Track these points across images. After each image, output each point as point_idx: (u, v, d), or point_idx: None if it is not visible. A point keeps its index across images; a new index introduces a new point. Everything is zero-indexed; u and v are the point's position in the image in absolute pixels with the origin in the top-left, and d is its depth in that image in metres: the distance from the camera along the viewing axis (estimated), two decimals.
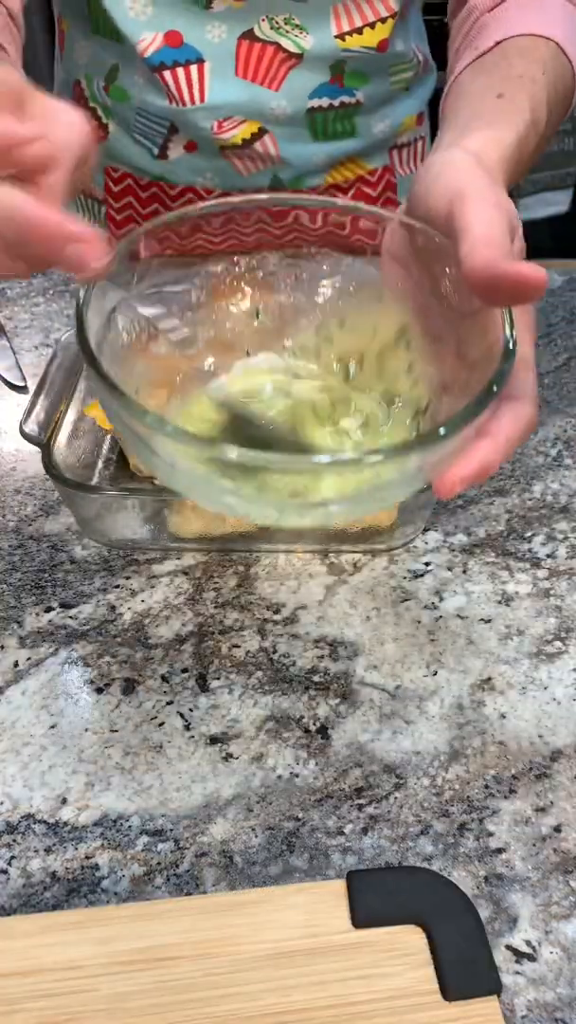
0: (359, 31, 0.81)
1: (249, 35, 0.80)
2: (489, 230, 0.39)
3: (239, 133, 0.84)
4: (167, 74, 0.81)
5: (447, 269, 0.43)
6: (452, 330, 0.44)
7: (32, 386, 0.81)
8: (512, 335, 0.39)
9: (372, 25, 0.81)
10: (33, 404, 0.67)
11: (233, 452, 0.35)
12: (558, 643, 0.57)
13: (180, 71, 0.81)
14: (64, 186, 0.39)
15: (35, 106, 0.39)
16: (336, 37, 0.81)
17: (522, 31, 0.61)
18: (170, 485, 0.42)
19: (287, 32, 0.79)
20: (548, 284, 0.37)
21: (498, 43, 0.61)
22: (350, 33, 0.81)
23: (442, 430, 0.36)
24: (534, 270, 0.37)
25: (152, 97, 0.84)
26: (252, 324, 0.50)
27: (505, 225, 0.40)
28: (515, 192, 2.15)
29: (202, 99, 0.82)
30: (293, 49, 0.80)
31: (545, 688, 0.54)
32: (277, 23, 0.79)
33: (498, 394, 0.37)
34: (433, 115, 1.02)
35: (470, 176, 0.42)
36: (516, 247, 0.42)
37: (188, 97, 0.81)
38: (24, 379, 0.82)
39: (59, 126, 0.39)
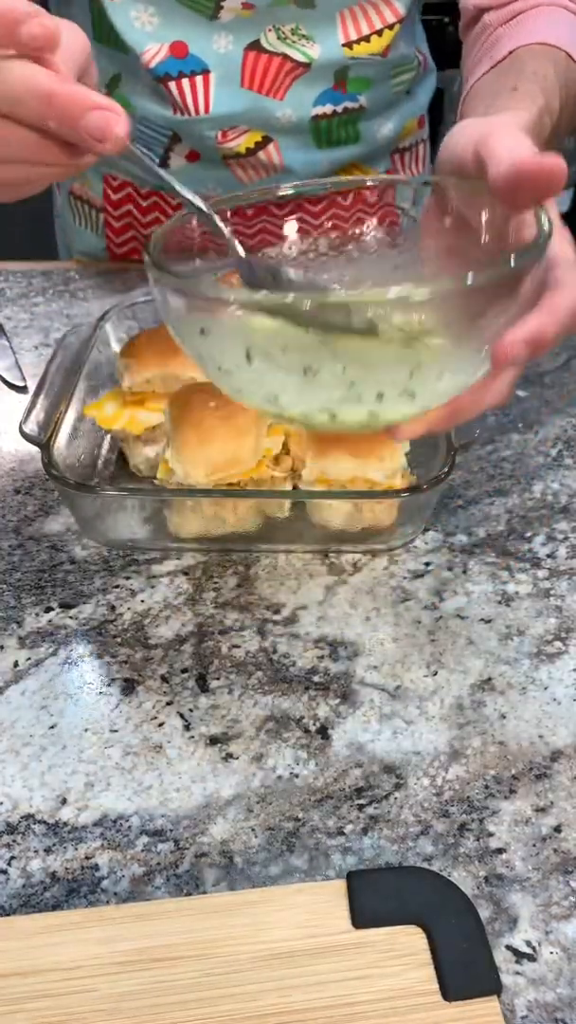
0: (367, 39, 0.81)
1: (256, 46, 0.79)
2: (516, 146, 0.41)
3: (243, 142, 0.84)
4: (172, 84, 0.80)
5: (479, 210, 0.46)
6: None
7: (32, 386, 0.81)
8: (547, 214, 0.41)
9: (380, 32, 0.81)
10: (33, 404, 0.67)
11: (303, 300, 0.37)
12: (558, 643, 0.57)
13: (185, 81, 0.80)
14: (71, 72, 0.40)
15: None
16: (344, 46, 0.80)
17: (534, 40, 0.64)
18: (221, 381, 0.43)
19: (294, 43, 0.79)
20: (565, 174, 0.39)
21: (512, 52, 0.64)
22: (357, 41, 0.80)
23: (504, 264, 0.38)
24: (552, 156, 0.39)
25: (155, 107, 0.83)
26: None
27: (530, 146, 0.42)
28: None
29: (207, 110, 0.81)
30: (300, 59, 0.80)
31: (545, 688, 0.54)
32: (284, 33, 0.78)
33: (547, 243, 0.40)
34: (432, 119, 1.02)
35: (494, 122, 0.45)
36: None
37: (193, 107, 0.81)
38: (24, 379, 0.82)
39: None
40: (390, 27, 0.81)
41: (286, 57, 0.79)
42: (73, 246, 1.04)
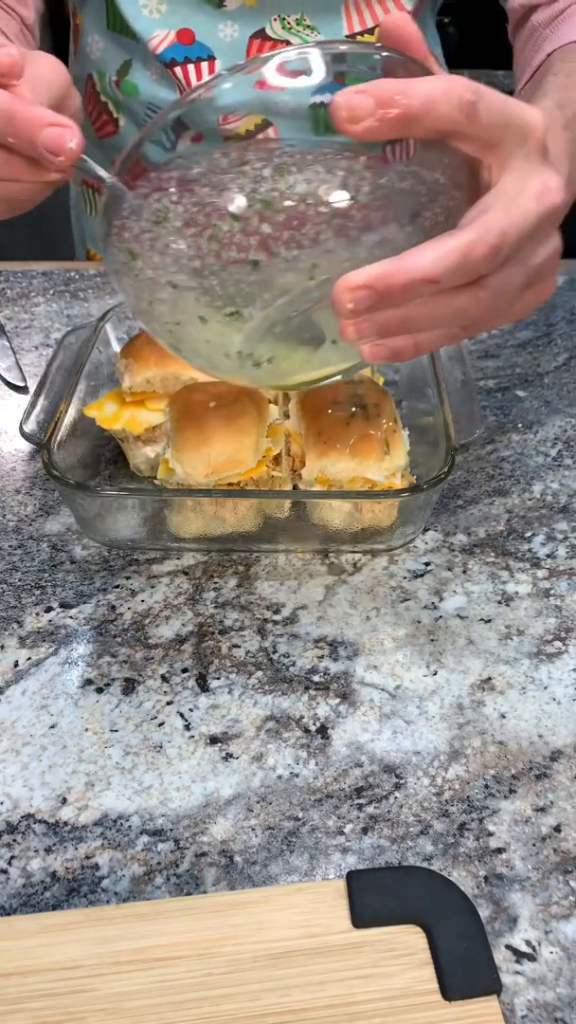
0: (371, 31, 0.82)
1: (261, 34, 0.81)
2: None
3: (243, 124, 0.85)
4: (178, 70, 0.82)
5: None
6: None
7: (32, 386, 0.81)
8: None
9: None
10: (33, 404, 0.67)
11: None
12: (558, 643, 0.57)
13: (191, 67, 0.82)
14: (43, 99, 0.44)
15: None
16: (347, 37, 0.81)
17: (570, 39, 0.64)
18: (175, 341, 0.45)
19: (299, 32, 0.81)
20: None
21: (548, 55, 0.64)
22: (361, 34, 0.82)
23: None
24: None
25: (163, 91, 0.85)
26: None
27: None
28: None
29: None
30: None
31: (545, 688, 0.54)
32: (289, 23, 0.80)
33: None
34: None
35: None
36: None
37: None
38: (24, 379, 0.82)
39: (34, 64, 0.44)
40: None
41: (290, 45, 0.81)
42: (86, 235, 1.07)
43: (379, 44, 0.43)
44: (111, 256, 0.44)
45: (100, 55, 0.89)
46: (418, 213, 0.41)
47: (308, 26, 0.80)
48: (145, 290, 0.43)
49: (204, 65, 0.82)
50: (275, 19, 0.80)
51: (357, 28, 0.81)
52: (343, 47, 0.44)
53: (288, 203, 0.40)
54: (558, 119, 0.55)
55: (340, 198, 0.40)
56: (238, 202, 0.40)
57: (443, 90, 0.38)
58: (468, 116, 0.38)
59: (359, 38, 0.82)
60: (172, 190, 0.41)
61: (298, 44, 0.53)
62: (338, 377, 0.48)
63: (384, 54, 0.42)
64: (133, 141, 0.44)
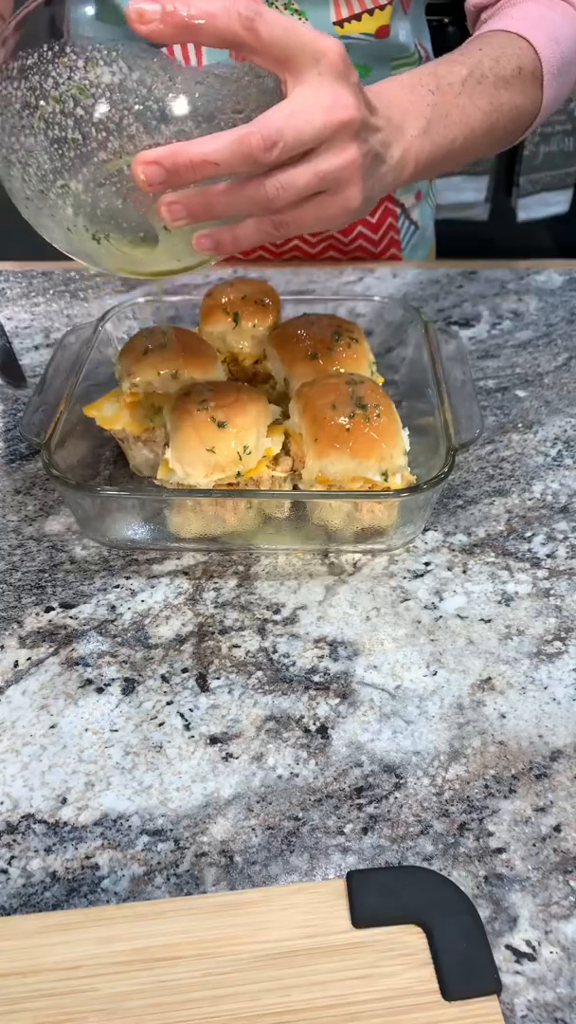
0: (357, 17, 0.83)
1: None
2: None
3: None
4: (164, 50, 0.83)
5: None
6: None
7: (32, 386, 0.81)
8: None
9: (371, 12, 0.83)
10: (33, 404, 0.68)
11: None
12: (558, 643, 0.57)
13: (178, 49, 0.82)
14: None
15: None
16: (335, 24, 0.82)
17: (490, 28, 0.69)
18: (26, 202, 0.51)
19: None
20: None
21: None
22: (349, 20, 0.82)
23: None
24: None
25: None
26: None
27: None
28: (515, 192, 2.15)
29: (199, 64, 0.83)
30: None
31: (545, 688, 0.54)
32: (276, 7, 0.80)
33: None
34: None
35: None
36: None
37: (184, 63, 0.83)
38: (24, 379, 0.82)
39: None
40: (381, 7, 0.83)
41: None
42: None
43: None
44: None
45: (92, 38, 0.90)
46: (213, 115, 0.48)
47: (296, 10, 0.81)
48: (3, 169, 0.51)
49: (191, 47, 0.83)
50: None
51: (345, 14, 0.82)
52: None
53: (95, 90, 0.48)
54: (427, 82, 0.60)
55: (137, 92, 0.48)
56: (59, 88, 0.48)
57: (224, 6, 0.44)
58: (248, 30, 0.45)
59: (346, 24, 0.83)
60: (15, 77, 0.49)
61: None
62: (189, 269, 0.55)
63: None
64: None
